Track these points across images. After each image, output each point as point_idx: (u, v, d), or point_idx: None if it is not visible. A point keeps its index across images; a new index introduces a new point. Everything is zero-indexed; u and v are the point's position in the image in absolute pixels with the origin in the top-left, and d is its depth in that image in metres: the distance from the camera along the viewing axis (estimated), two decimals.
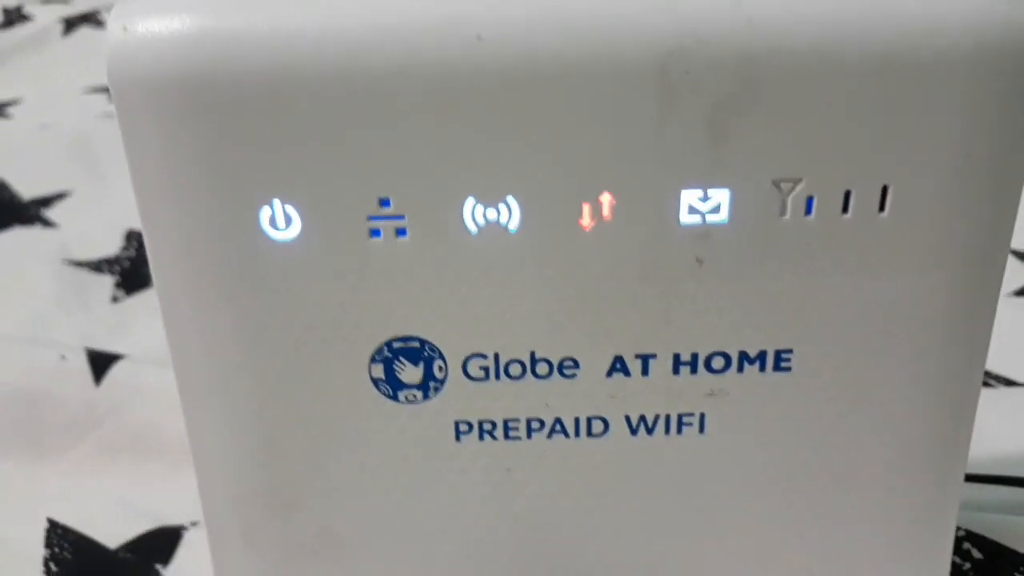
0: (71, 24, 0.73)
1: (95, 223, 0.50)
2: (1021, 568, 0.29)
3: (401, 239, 0.21)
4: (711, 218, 0.21)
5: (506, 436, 0.23)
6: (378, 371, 0.23)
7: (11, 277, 0.46)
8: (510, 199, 0.21)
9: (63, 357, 0.37)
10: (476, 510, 0.24)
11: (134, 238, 0.49)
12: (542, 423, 0.23)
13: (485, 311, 0.22)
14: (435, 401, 0.23)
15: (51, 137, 0.58)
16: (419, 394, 0.23)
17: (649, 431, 0.24)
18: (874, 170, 0.21)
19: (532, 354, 0.23)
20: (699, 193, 0.21)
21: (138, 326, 0.42)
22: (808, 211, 0.21)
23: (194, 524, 0.33)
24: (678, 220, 0.21)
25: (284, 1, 0.19)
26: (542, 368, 0.23)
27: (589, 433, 0.24)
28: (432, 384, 0.23)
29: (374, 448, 0.23)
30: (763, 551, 0.25)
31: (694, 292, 0.22)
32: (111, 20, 0.19)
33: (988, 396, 0.36)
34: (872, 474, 0.24)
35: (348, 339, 0.22)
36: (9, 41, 0.71)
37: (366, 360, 0.22)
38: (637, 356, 0.23)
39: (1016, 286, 0.43)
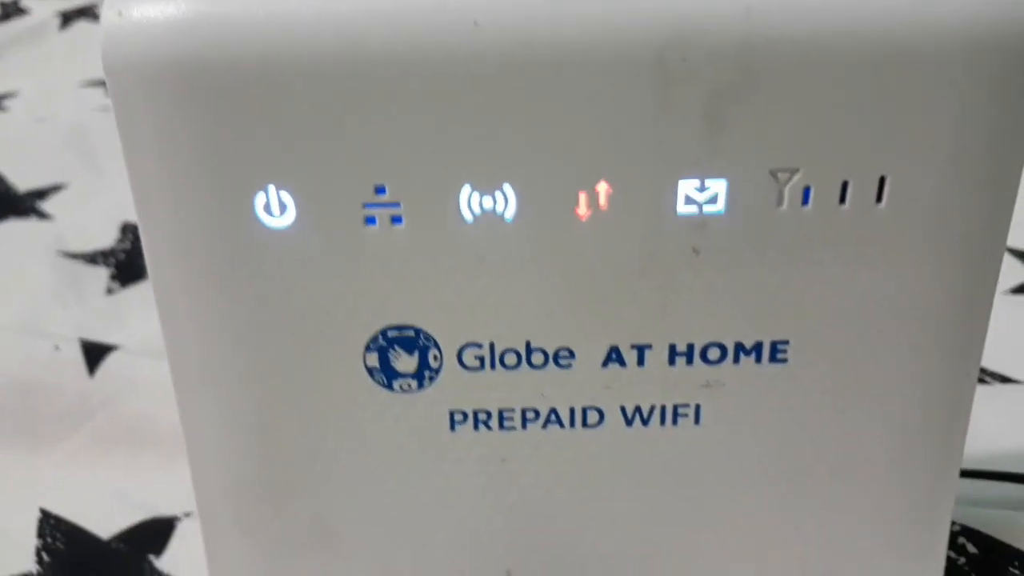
0: (68, 18, 0.73)
1: (90, 215, 0.50)
2: (1015, 563, 0.29)
3: (396, 227, 0.21)
4: (708, 208, 0.21)
5: (501, 426, 0.23)
6: (373, 360, 0.22)
7: (6, 268, 0.46)
8: (506, 187, 0.21)
9: (57, 348, 0.37)
10: (471, 500, 0.24)
11: (129, 230, 0.49)
12: (537, 413, 0.23)
13: (480, 300, 0.22)
14: (430, 390, 0.23)
15: (47, 130, 0.58)
16: (414, 383, 0.23)
17: (644, 422, 0.23)
18: (872, 161, 0.21)
19: (527, 344, 0.22)
20: (696, 183, 0.21)
21: (132, 318, 0.42)
22: (805, 202, 0.21)
23: (187, 515, 0.33)
24: (675, 210, 0.21)
25: None
26: (537, 358, 0.23)
27: (584, 424, 0.23)
28: (427, 373, 0.23)
29: (368, 438, 0.23)
30: (757, 543, 0.25)
31: (690, 282, 0.22)
32: (106, 5, 0.19)
33: (984, 393, 0.36)
34: (868, 467, 0.24)
35: (343, 327, 0.22)
36: (6, 34, 0.71)
37: (361, 349, 0.22)
38: (633, 346, 0.23)
39: (1012, 284, 0.43)
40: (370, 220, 0.21)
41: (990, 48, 0.20)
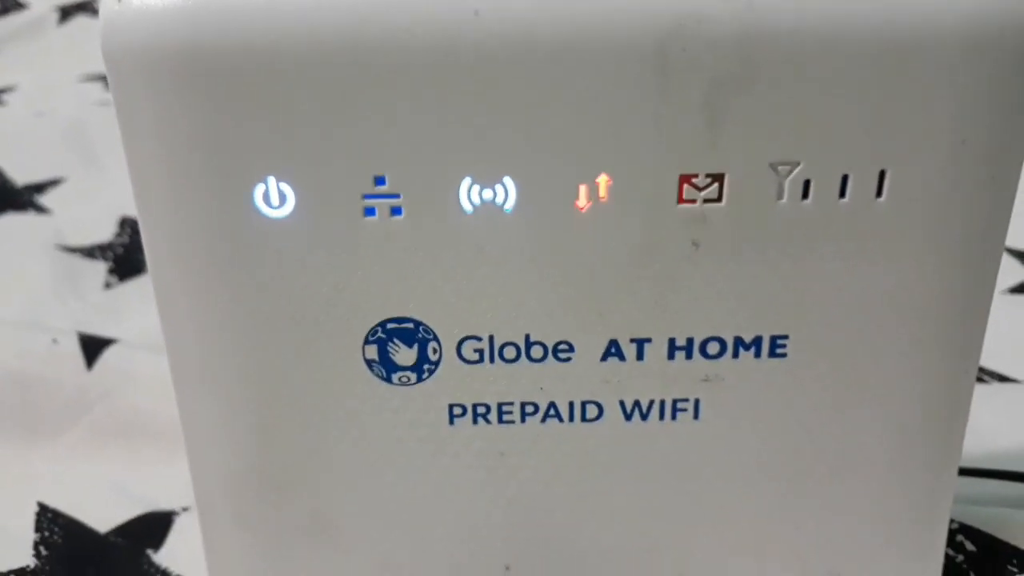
0: (66, 12, 0.73)
1: (89, 210, 0.50)
2: (1014, 561, 0.29)
3: (396, 218, 0.21)
4: (708, 201, 0.21)
5: (500, 420, 0.23)
6: (372, 352, 0.22)
7: (4, 262, 0.46)
8: (506, 179, 0.21)
9: (55, 341, 0.37)
10: (469, 494, 0.24)
11: (127, 225, 0.49)
12: (536, 407, 0.23)
13: (480, 292, 0.22)
14: (429, 384, 0.23)
15: (46, 124, 0.58)
16: (413, 376, 0.23)
17: (643, 416, 0.23)
18: (872, 154, 0.20)
19: (527, 337, 0.22)
20: (696, 176, 0.21)
21: (131, 312, 0.42)
22: (805, 195, 0.21)
23: (185, 509, 0.33)
24: (675, 203, 0.21)
25: None
26: (536, 351, 0.23)
27: (583, 418, 0.23)
28: (426, 366, 0.23)
29: (367, 431, 0.23)
30: (755, 539, 0.25)
31: (690, 276, 0.22)
32: None
33: (982, 392, 0.36)
34: (866, 464, 0.24)
35: (342, 319, 0.22)
36: (5, 29, 0.71)
37: (360, 341, 0.22)
38: (632, 340, 0.22)
39: (1011, 283, 0.43)
40: (369, 211, 0.21)
41: (991, 42, 0.19)
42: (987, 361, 0.38)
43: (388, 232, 0.21)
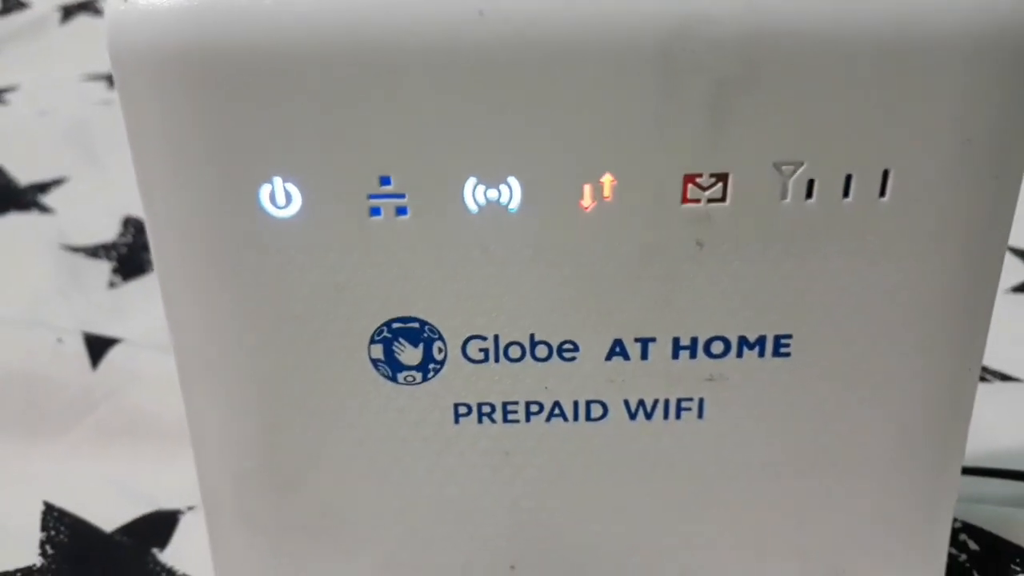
0: (69, 12, 0.73)
1: (92, 209, 0.50)
2: (1017, 560, 0.29)
3: (401, 218, 0.21)
4: (712, 201, 0.21)
5: (505, 419, 0.23)
6: (377, 352, 0.23)
7: (8, 262, 0.46)
8: (511, 179, 0.21)
9: (60, 340, 0.37)
10: (474, 493, 0.24)
11: (131, 224, 0.49)
12: (541, 406, 0.23)
13: (485, 292, 0.22)
14: (434, 383, 0.23)
15: (48, 123, 0.58)
16: (418, 375, 0.23)
17: (648, 416, 0.23)
18: (875, 154, 0.21)
19: (532, 336, 0.22)
20: (700, 175, 0.21)
21: (135, 311, 0.42)
22: (809, 195, 0.21)
23: (190, 508, 0.33)
24: (679, 202, 0.21)
25: None
26: (541, 351, 0.23)
27: (588, 417, 0.24)
28: (431, 366, 0.23)
29: (372, 430, 0.23)
30: (759, 537, 0.25)
31: (694, 275, 0.22)
32: None
33: (984, 391, 0.36)
34: (869, 462, 0.24)
35: (347, 319, 0.22)
36: (7, 28, 0.71)
37: (365, 341, 0.22)
38: (636, 340, 0.23)
39: (1013, 283, 0.43)
40: (375, 211, 0.21)
41: (994, 42, 0.20)
42: (989, 360, 0.38)
43: (393, 232, 0.21)
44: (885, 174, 0.21)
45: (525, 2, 0.19)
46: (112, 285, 0.45)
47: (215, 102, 0.19)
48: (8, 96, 0.62)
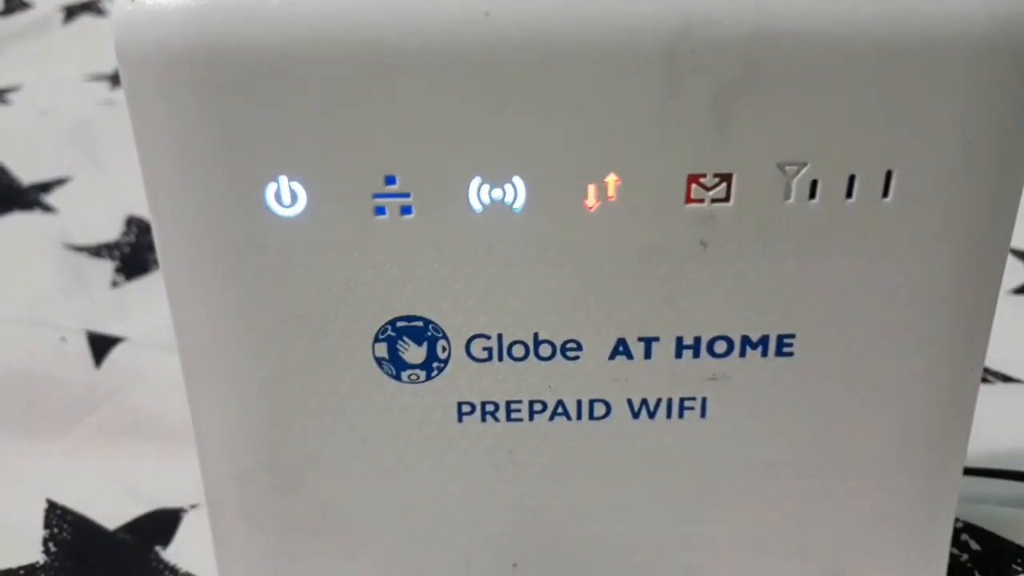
0: (71, 12, 0.73)
1: (95, 209, 0.50)
2: (1019, 560, 0.29)
3: (406, 217, 0.21)
4: (716, 201, 0.21)
5: (508, 418, 0.24)
6: (381, 350, 0.23)
7: (11, 261, 0.46)
8: (516, 178, 0.21)
9: (63, 339, 0.37)
10: (477, 491, 0.24)
11: (134, 224, 0.49)
12: (544, 405, 0.23)
13: (489, 291, 0.22)
14: (438, 381, 0.23)
15: (51, 123, 0.58)
16: (422, 374, 0.23)
17: (651, 415, 0.24)
18: (878, 155, 0.21)
19: (535, 335, 0.23)
20: (704, 175, 0.21)
21: (138, 310, 0.42)
22: (812, 195, 0.21)
23: (193, 507, 0.33)
24: (683, 202, 0.21)
25: None
26: (545, 350, 0.23)
27: (591, 416, 0.24)
28: (435, 364, 0.23)
29: (376, 428, 0.24)
30: (761, 536, 0.25)
31: (698, 275, 0.22)
32: None
33: (986, 392, 0.36)
34: (872, 462, 0.24)
35: (352, 317, 0.22)
36: (9, 28, 0.71)
37: (369, 339, 0.22)
38: (640, 339, 0.23)
39: (1014, 284, 0.43)
40: (380, 210, 0.21)
41: (997, 43, 0.20)
42: (991, 361, 0.38)
43: (398, 231, 0.21)
44: (888, 175, 0.21)
45: (530, 2, 0.19)
46: (115, 284, 0.45)
47: (221, 102, 0.20)
48: (11, 96, 0.63)
